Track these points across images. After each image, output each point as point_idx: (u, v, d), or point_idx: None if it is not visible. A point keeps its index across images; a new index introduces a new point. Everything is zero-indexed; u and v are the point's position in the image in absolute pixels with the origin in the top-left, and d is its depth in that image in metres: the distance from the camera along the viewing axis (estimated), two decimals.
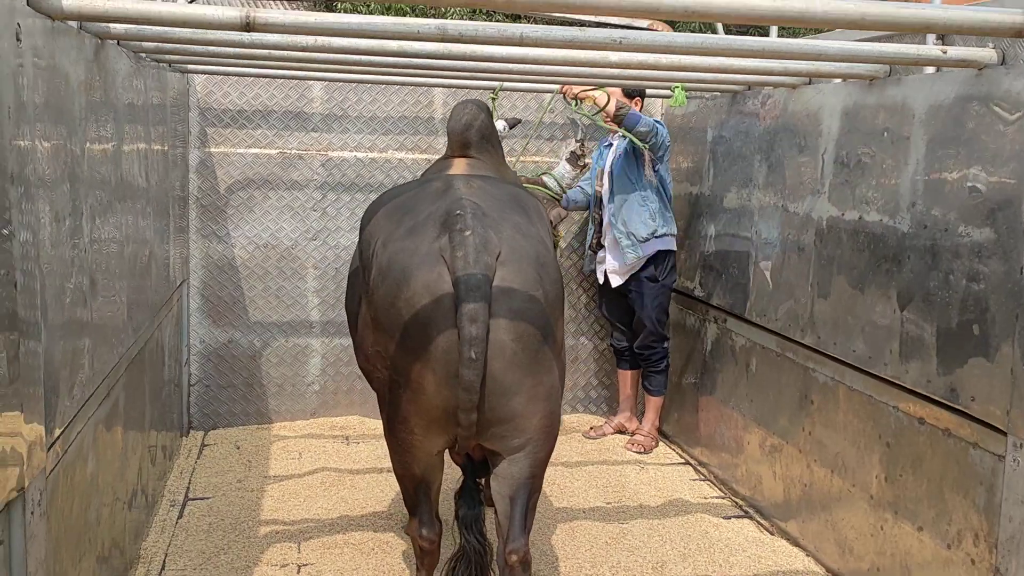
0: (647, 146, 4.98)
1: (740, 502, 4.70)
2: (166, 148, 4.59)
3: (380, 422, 5.49)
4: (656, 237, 5.17)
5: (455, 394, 2.61)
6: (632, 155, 5.14)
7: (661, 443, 5.59)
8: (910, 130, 3.31)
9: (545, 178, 4.96)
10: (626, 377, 5.67)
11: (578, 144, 5.10)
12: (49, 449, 2.42)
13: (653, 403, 5.51)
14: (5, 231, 2.03)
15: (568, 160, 5.12)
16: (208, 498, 4.52)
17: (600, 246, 5.42)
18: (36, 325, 2.26)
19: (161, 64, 4.34)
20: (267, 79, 5.29)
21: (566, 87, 5.00)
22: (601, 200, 5.36)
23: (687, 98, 4.89)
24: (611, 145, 5.38)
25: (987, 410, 2.90)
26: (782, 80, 4.05)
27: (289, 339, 5.64)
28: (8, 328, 2.05)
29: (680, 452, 5.47)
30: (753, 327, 4.60)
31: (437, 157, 5.67)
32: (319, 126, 5.55)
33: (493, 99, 4.85)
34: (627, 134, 4.95)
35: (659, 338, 5.37)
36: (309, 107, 5.52)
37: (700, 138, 5.27)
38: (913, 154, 3.29)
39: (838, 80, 3.81)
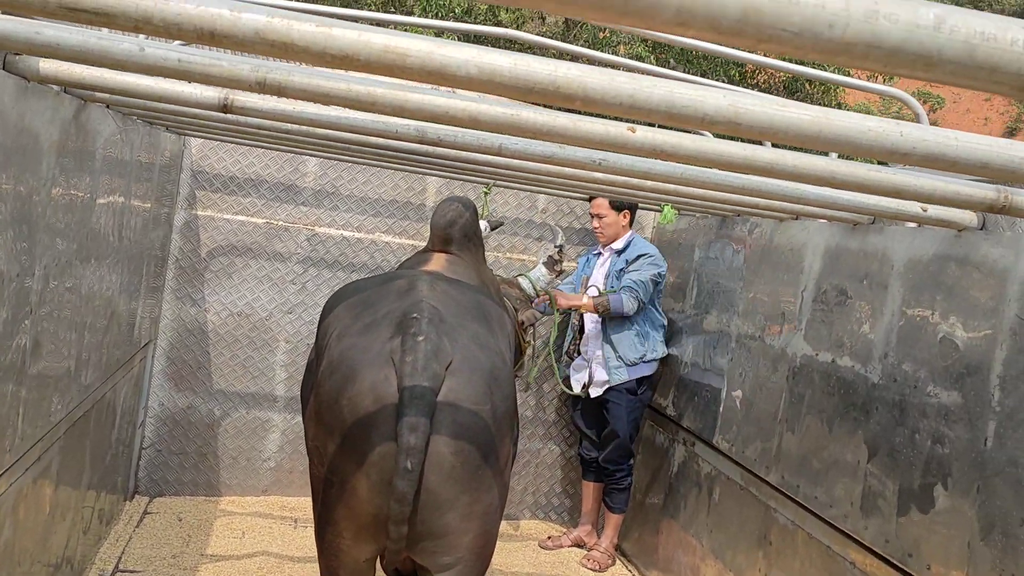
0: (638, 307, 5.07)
1: None
2: (148, 206, 4.55)
3: None
4: (644, 362, 5.15)
5: (387, 502, 2.49)
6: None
7: (619, 561, 5.41)
8: (888, 280, 3.27)
9: (520, 280, 4.90)
10: (590, 489, 5.52)
11: (556, 249, 5.05)
12: None
13: (613, 520, 5.37)
14: None
15: (545, 264, 5.06)
16: (138, 572, 4.33)
17: (578, 353, 5.34)
18: None
19: (155, 125, 4.33)
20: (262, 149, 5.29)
21: (558, 299, 5.06)
22: None
23: (676, 216, 4.88)
24: (600, 254, 5.35)
25: None
26: (769, 213, 4.03)
27: (251, 411, 5.51)
28: None
29: (636, 573, 5.28)
30: (720, 455, 4.49)
31: (423, 243, 5.71)
32: (309, 200, 5.52)
33: (486, 194, 4.83)
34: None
35: (626, 453, 5.27)
36: (302, 180, 5.51)
37: (687, 256, 5.24)
38: (889, 304, 3.24)
39: (822, 220, 3.79)
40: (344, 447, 2.56)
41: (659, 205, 4.64)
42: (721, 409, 4.51)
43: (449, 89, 4.12)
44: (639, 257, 5.11)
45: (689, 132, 1.99)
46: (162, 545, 4.68)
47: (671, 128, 1.86)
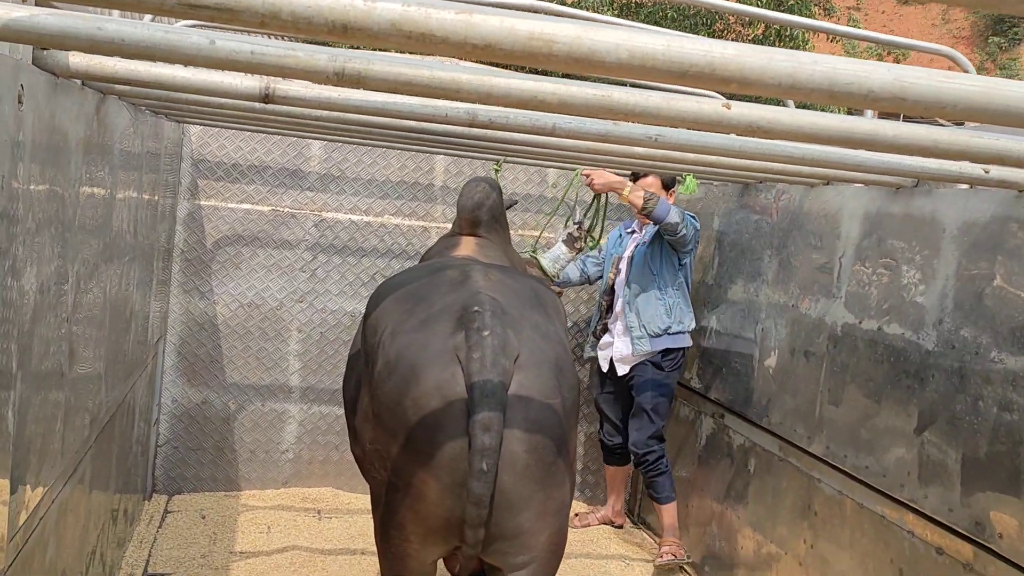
0: (677, 238, 4.66)
1: None
2: (156, 198, 4.40)
3: (354, 496, 5.37)
4: (669, 334, 4.85)
5: (458, 504, 2.41)
6: (658, 245, 4.84)
7: (648, 537, 5.38)
8: (940, 243, 3.20)
9: (540, 258, 4.76)
10: (611, 473, 5.38)
11: (576, 226, 4.84)
12: (9, 542, 2.19)
13: (664, 512, 4.90)
14: None
15: (564, 241, 4.92)
16: (169, 574, 4.23)
17: (606, 330, 5.13)
18: (8, 396, 2.05)
19: (159, 114, 4.17)
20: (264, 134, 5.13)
21: (592, 177, 4.70)
22: (613, 288, 5.07)
23: (698, 186, 4.79)
24: (633, 232, 5.10)
25: (1016, 548, 2.74)
26: (801, 180, 3.96)
27: (266, 403, 5.40)
28: None
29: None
30: (754, 427, 4.44)
31: (433, 225, 5.59)
32: (315, 185, 5.37)
33: (496, 171, 4.70)
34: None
35: (655, 435, 4.91)
36: (306, 165, 5.36)
37: (706, 225, 5.15)
38: (942, 270, 3.18)
39: (859, 184, 3.71)
40: (410, 449, 2.46)
41: (680, 176, 4.54)
42: (753, 380, 4.45)
43: (454, 60, 3.97)
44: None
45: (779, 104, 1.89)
46: (189, 545, 4.58)
47: (764, 101, 1.76)
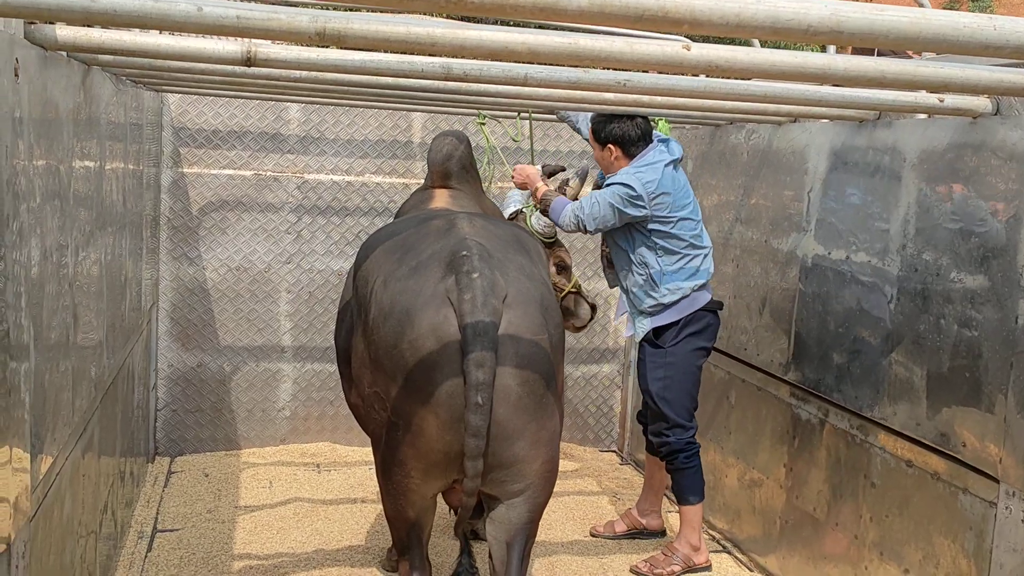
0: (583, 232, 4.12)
1: (717, 536, 4.69)
2: (141, 168, 4.48)
3: (351, 449, 5.54)
4: (665, 307, 4.09)
5: (457, 438, 2.56)
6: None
7: (636, 475, 5.55)
8: (901, 173, 3.34)
9: (533, 219, 4.30)
10: (650, 462, 4.58)
11: (563, 183, 4.38)
12: (32, 494, 2.32)
13: (683, 515, 4.22)
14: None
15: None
16: (177, 530, 4.39)
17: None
18: (23, 363, 2.17)
19: (138, 84, 4.24)
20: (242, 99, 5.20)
21: (516, 172, 4.38)
22: (612, 261, 4.35)
23: (670, 130, 4.89)
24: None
25: (979, 456, 2.92)
26: (768, 118, 4.08)
27: (260, 364, 5.53)
28: None
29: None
30: (733, 360, 4.61)
31: (414, 181, 5.68)
32: (295, 148, 5.45)
33: (482, 124, 4.76)
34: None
35: (666, 422, 4.13)
36: (285, 128, 5.43)
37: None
38: (904, 197, 3.32)
39: (824, 120, 3.84)
40: (408, 389, 2.60)
41: (653, 120, 4.65)
42: (730, 315, 4.60)
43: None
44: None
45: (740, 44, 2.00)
46: (194, 502, 4.73)
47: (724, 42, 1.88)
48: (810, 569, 3.87)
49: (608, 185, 4.06)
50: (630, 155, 4.13)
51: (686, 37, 2.30)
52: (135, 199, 4.26)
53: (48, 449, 2.48)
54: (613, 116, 4.11)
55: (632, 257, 4.13)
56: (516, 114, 4.62)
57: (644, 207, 3.98)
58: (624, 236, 4.15)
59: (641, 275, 4.12)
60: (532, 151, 4.69)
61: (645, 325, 4.16)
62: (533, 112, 4.55)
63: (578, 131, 4.53)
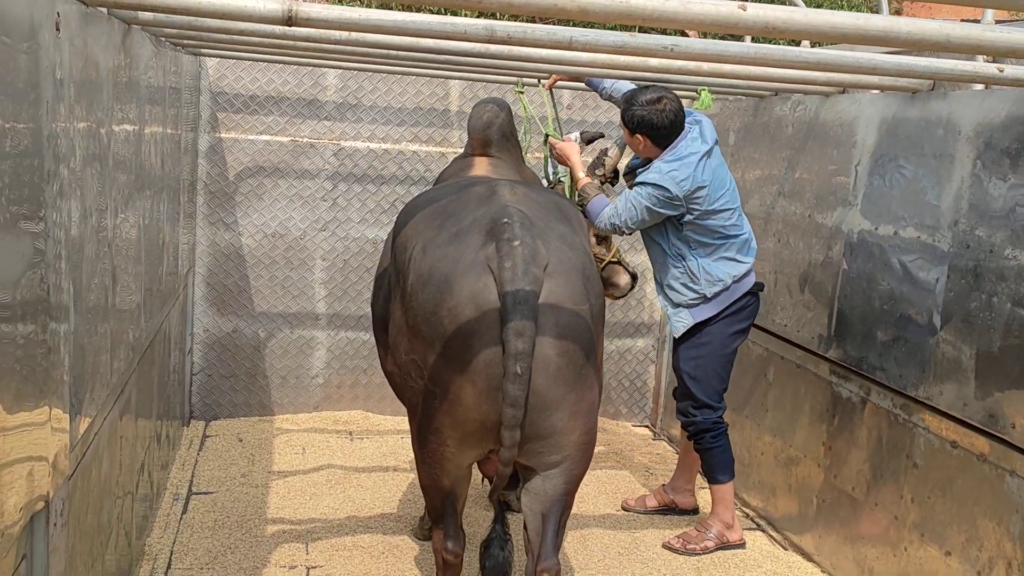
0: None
1: (751, 513, 4.64)
2: (179, 132, 4.47)
3: (383, 418, 5.55)
4: (705, 301, 4.02)
5: (494, 408, 2.53)
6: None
7: (669, 450, 5.52)
8: (955, 146, 3.24)
9: (567, 190, 4.23)
10: (683, 439, 4.45)
11: (602, 152, 4.33)
12: (71, 452, 2.33)
13: (713, 494, 4.19)
14: (40, 227, 1.92)
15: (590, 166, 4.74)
16: (212, 492, 4.42)
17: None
18: (63, 324, 2.16)
19: (177, 47, 4.22)
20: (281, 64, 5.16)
21: (555, 146, 4.25)
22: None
23: (713, 100, 4.79)
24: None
25: None
26: (817, 89, 3.97)
27: (294, 330, 5.54)
28: (37, 327, 1.95)
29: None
30: (772, 337, 4.54)
31: (450, 150, 5.64)
32: (332, 115, 5.42)
33: (520, 93, 4.69)
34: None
35: (693, 401, 4.10)
36: (323, 95, 5.40)
37: (722, 140, 5.16)
38: (958, 171, 3.22)
39: (875, 91, 3.73)
40: (446, 357, 2.57)
41: (696, 90, 4.55)
42: (770, 291, 4.52)
43: None
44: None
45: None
46: (229, 466, 4.76)
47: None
48: (846, 549, 3.82)
49: (641, 184, 3.94)
50: (661, 146, 3.98)
51: None
52: (173, 163, 4.25)
53: (86, 410, 2.48)
54: (637, 96, 3.93)
55: (667, 250, 4.06)
56: (529, 83, 4.50)
57: (681, 205, 3.90)
58: (658, 230, 4.06)
59: (679, 268, 4.04)
60: (558, 120, 4.58)
61: (685, 320, 4.08)
62: (560, 80, 4.48)
63: (611, 99, 4.43)
